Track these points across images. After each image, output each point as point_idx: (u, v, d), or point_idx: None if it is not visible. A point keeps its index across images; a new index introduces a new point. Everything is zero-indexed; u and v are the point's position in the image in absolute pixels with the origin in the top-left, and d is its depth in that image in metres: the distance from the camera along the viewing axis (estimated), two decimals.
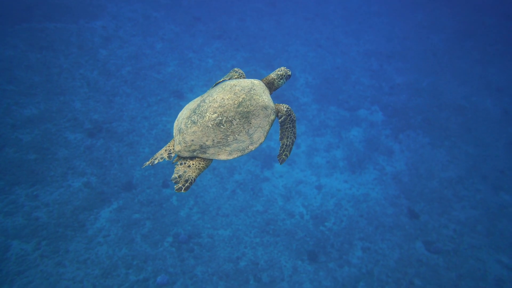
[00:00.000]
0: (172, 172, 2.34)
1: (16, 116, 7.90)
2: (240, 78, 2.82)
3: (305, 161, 9.10)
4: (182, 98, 9.58)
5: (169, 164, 8.23)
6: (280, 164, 2.61)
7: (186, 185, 2.25)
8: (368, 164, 9.13)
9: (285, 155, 2.61)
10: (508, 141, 9.99)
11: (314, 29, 13.51)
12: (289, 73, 2.81)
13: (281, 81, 2.78)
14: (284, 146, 2.64)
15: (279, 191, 8.33)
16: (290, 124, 2.66)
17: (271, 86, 2.75)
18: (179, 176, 2.30)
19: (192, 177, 2.30)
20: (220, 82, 2.69)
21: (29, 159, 7.27)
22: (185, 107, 2.62)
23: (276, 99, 2.68)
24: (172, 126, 2.61)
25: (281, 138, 2.66)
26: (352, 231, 7.59)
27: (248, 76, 3.03)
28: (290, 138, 2.66)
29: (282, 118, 2.64)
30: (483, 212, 8.14)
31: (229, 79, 2.83)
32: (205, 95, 2.54)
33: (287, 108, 2.64)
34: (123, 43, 10.55)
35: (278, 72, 2.79)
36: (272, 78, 2.76)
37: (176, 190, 2.22)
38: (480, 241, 7.60)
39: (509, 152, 9.67)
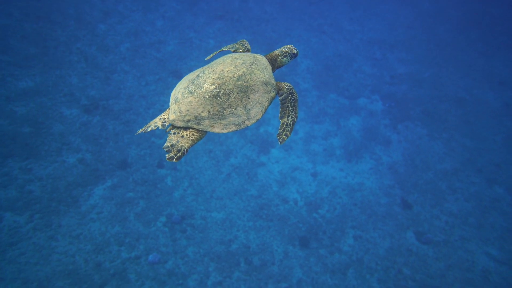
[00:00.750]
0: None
1: (11, 88, 7.76)
2: (245, 52, 2.76)
3: (302, 148, 9.07)
4: (181, 78, 9.45)
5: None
6: (280, 144, 2.54)
7: (178, 155, 2.22)
8: (365, 153, 9.12)
9: (285, 134, 2.52)
10: (507, 135, 9.97)
11: (318, 14, 13.22)
12: (295, 51, 2.72)
13: (285, 58, 2.70)
14: (284, 126, 2.55)
15: (274, 176, 8.33)
16: (291, 103, 2.58)
17: (274, 63, 2.70)
18: (172, 145, 2.26)
19: (185, 148, 2.27)
20: (224, 50, 2.64)
21: (23, 132, 7.19)
22: (184, 77, 2.59)
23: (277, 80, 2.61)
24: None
25: (281, 117, 2.58)
26: (345, 219, 7.64)
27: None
28: (291, 117, 2.58)
29: (283, 96, 2.58)
30: (476, 204, 8.20)
31: (233, 50, 2.78)
32: (205, 66, 2.49)
33: (289, 86, 2.58)
34: (123, 18, 10.29)
35: (283, 49, 2.72)
36: (276, 55, 2.70)
37: (167, 158, 2.19)
38: (470, 233, 7.69)
39: (506, 146, 9.66)
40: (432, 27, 13.76)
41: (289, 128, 2.55)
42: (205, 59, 2.94)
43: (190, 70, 9.78)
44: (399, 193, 8.27)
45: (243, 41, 2.85)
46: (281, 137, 2.52)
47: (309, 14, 13.10)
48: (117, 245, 6.27)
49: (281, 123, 2.58)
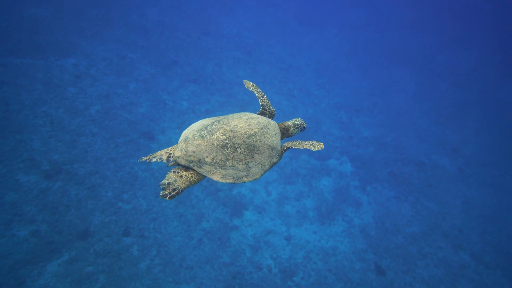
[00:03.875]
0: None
1: None
2: (270, 114, 2.98)
3: (275, 210, 8.97)
4: (153, 140, 9.34)
5: (133, 210, 7.77)
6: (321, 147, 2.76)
7: (172, 193, 2.26)
8: (337, 215, 9.16)
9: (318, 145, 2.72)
10: (464, 200, 10.54)
11: (287, 79, 14.11)
12: (305, 125, 2.98)
13: (296, 130, 2.92)
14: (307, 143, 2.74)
15: (247, 241, 8.04)
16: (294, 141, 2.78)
17: (285, 132, 2.87)
18: (169, 184, 2.32)
19: (181, 188, 2.32)
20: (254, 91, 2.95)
21: None
22: (199, 121, 2.70)
23: None
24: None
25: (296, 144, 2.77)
26: (320, 287, 7.35)
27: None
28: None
29: (286, 149, 2.75)
30: (445, 271, 8.25)
31: (261, 105, 3.00)
32: (222, 117, 2.62)
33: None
34: (95, 81, 10.32)
35: (295, 122, 2.94)
36: (288, 125, 2.90)
37: (160, 196, 2.23)
38: None
39: (465, 211, 10.15)
40: (391, 96, 15.09)
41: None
42: (246, 85, 3.11)
43: (163, 131, 9.77)
44: (372, 258, 8.19)
45: (271, 110, 3.03)
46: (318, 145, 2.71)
47: (279, 79, 13.94)
48: None
49: (305, 144, 2.72)
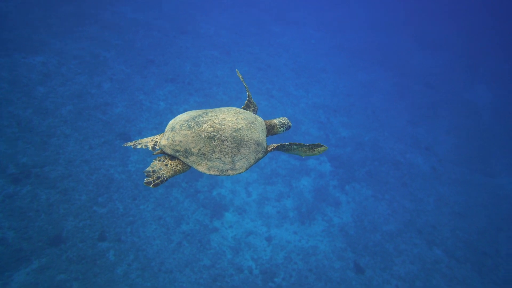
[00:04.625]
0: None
1: None
2: (254, 110, 3.03)
3: (255, 211, 8.92)
4: (129, 140, 9.04)
5: (109, 214, 7.48)
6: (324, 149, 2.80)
7: (157, 181, 2.24)
8: (317, 214, 9.24)
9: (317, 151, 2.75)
10: (437, 197, 10.95)
11: (266, 79, 14.12)
12: (290, 124, 3.01)
13: (281, 128, 2.96)
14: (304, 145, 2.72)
15: (228, 243, 7.95)
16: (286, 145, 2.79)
17: (270, 129, 2.92)
18: (153, 171, 2.30)
19: (165, 176, 2.31)
20: (245, 86, 3.02)
21: None
22: (185, 112, 2.74)
23: None
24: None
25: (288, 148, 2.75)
26: (301, 287, 7.38)
27: None
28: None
29: (273, 148, 2.76)
30: (420, 267, 8.54)
31: (248, 97, 3.06)
32: (210, 110, 2.66)
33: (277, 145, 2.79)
34: (66, 80, 9.84)
35: (281, 120, 2.98)
36: (274, 123, 2.94)
37: (144, 183, 2.21)
38: None
39: (438, 208, 10.55)
40: (367, 96, 15.44)
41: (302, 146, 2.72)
42: (237, 74, 3.18)
43: (139, 132, 9.48)
44: (351, 257, 8.33)
45: (254, 103, 3.11)
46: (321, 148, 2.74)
47: (258, 79, 13.92)
48: None
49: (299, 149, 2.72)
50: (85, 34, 12.27)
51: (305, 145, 2.68)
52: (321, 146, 2.75)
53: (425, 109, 15.82)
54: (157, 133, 2.81)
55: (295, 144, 2.66)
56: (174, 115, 10.54)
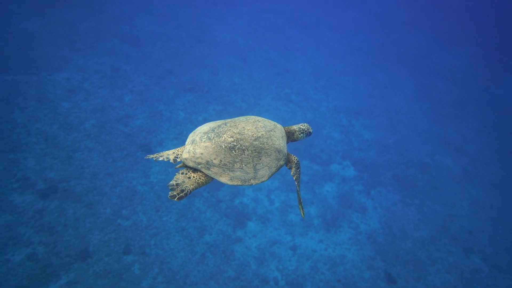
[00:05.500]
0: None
1: None
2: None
3: (279, 219, 8.74)
4: (150, 153, 9.10)
5: (133, 226, 7.51)
6: (303, 217, 2.87)
7: (181, 195, 2.25)
8: (343, 221, 8.94)
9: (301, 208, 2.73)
10: (471, 201, 10.34)
11: (284, 84, 13.96)
12: (311, 130, 2.99)
13: (301, 135, 2.93)
14: (298, 199, 2.75)
15: (252, 253, 7.80)
16: (299, 175, 2.76)
17: (290, 136, 2.89)
18: (177, 185, 2.32)
19: (189, 189, 2.31)
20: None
21: None
22: (205, 124, 2.75)
23: None
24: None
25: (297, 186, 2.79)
26: None
27: None
28: (298, 189, 2.75)
29: (293, 169, 2.74)
30: (457, 277, 8.03)
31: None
32: (228, 120, 2.66)
33: (297, 160, 2.76)
34: (89, 95, 10.08)
35: (301, 126, 2.96)
36: (294, 130, 2.92)
37: (169, 196, 2.23)
38: None
39: (474, 213, 9.94)
40: (389, 97, 14.96)
41: (299, 201, 2.74)
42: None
43: (160, 143, 9.54)
44: (381, 266, 7.96)
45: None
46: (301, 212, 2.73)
47: (276, 84, 13.78)
48: None
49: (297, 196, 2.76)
50: (104, 48, 12.57)
51: (299, 196, 2.73)
52: (302, 208, 2.75)
53: (452, 108, 15.14)
54: (178, 143, 2.78)
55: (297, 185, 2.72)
56: (194, 124, 10.57)
